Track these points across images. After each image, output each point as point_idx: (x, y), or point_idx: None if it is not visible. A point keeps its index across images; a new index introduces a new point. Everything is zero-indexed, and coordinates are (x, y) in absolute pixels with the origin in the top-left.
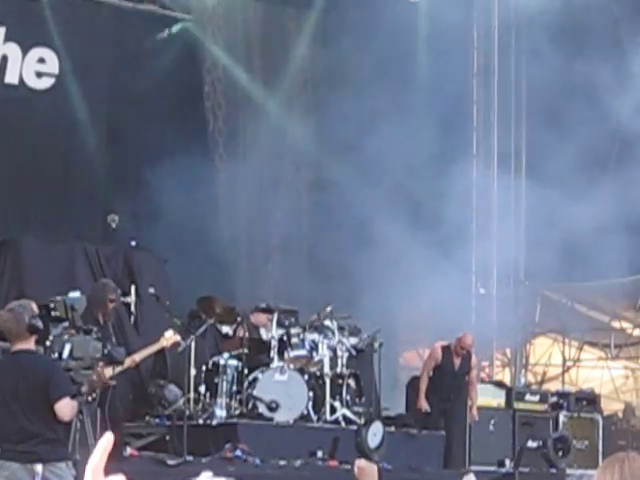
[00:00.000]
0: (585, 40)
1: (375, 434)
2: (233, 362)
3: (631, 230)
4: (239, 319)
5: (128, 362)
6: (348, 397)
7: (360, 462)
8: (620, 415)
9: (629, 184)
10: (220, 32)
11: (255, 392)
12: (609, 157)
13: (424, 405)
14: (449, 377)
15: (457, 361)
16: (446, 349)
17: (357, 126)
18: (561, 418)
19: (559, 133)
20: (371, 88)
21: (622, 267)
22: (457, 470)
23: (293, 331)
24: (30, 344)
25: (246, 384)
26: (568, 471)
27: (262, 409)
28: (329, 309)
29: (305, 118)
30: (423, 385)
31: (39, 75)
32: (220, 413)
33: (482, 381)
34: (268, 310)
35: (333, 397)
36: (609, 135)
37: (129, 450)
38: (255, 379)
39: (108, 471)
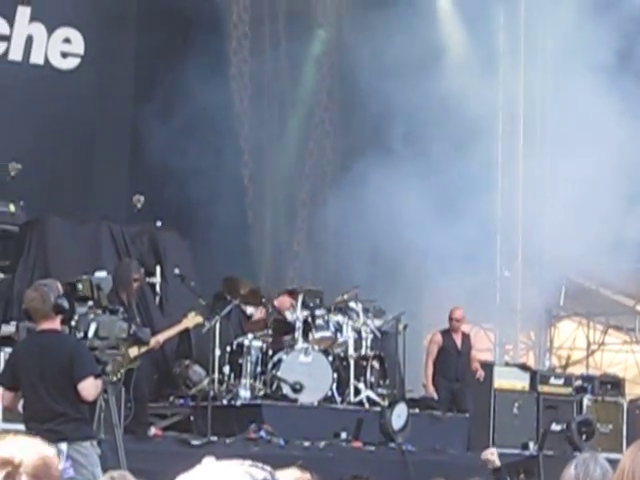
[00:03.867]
0: None
1: (399, 416)
2: (257, 343)
3: None
4: (263, 301)
5: (152, 343)
6: (372, 379)
7: None
8: None
9: None
10: None
11: (279, 373)
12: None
13: (431, 390)
14: (454, 357)
15: (458, 341)
16: (445, 332)
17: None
18: (585, 402)
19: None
20: None
21: None
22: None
23: (318, 312)
24: (55, 324)
25: (270, 365)
26: None
27: (286, 390)
28: (354, 291)
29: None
30: (429, 371)
31: (64, 55)
32: (244, 394)
33: (506, 364)
34: (293, 293)
35: (357, 379)
36: None
37: (153, 430)
38: (279, 360)
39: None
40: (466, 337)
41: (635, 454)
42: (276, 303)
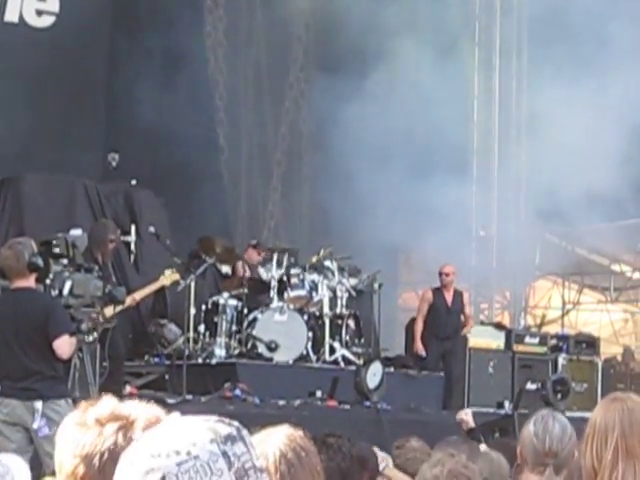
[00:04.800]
0: None
1: (374, 374)
2: (233, 302)
3: (633, 172)
4: (240, 261)
5: (128, 301)
6: (347, 337)
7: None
8: (619, 358)
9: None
10: None
11: (254, 332)
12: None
13: (420, 348)
14: (444, 315)
15: (449, 298)
16: (436, 290)
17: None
18: (560, 361)
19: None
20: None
21: (622, 210)
22: (456, 411)
23: (293, 271)
24: (30, 282)
25: (245, 324)
26: (567, 414)
27: (261, 349)
28: (329, 250)
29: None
30: (418, 329)
31: (39, 13)
32: (219, 352)
33: (482, 323)
34: (259, 246)
35: (332, 337)
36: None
37: (128, 388)
38: (255, 319)
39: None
40: (458, 294)
41: (606, 408)
42: (245, 257)
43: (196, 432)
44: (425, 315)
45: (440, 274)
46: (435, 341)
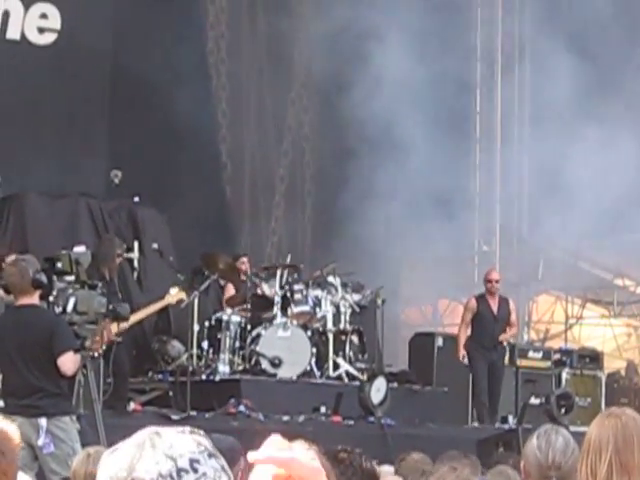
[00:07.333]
0: None
1: (379, 390)
2: (236, 318)
3: (637, 185)
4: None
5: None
6: (351, 353)
7: None
8: (622, 373)
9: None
10: None
11: (258, 348)
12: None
13: (462, 354)
14: (490, 323)
15: (494, 306)
16: (480, 297)
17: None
18: (564, 375)
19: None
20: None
21: (625, 224)
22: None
23: (296, 287)
24: (34, 299)
25: (249, 340)
26: (571, 428)
27: (265, 365)
28: (332, 265)
29: None
30: (462, 335)
31: (41, 31)
32: (223, 369)
33: None
34: (242, 257)
35: (336, 353)
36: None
37: (133, 405)
38: (258, 335)
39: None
40: (504, 301)
41: (601, 424)
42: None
43: (190, 447)
44: (468, 323)
45: (487, 281)
46: (482, 351)
